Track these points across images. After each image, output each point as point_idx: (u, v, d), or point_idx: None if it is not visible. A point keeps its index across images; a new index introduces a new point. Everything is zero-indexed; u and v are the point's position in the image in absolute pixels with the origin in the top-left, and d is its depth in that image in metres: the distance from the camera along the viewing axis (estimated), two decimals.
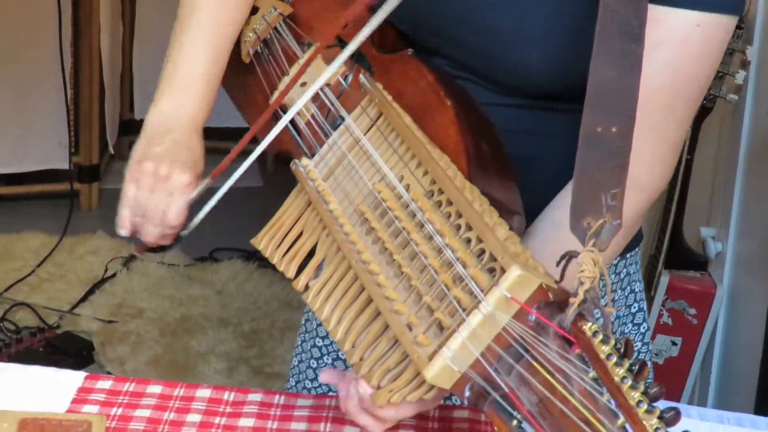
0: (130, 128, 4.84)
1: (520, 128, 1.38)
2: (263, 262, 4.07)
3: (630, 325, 1.64)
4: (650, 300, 2.76)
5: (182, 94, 1.46)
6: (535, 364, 1.00)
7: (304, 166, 1.35)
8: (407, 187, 1.22)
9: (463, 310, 1.07)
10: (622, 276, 1.60)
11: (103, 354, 3.48)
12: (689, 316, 2.76)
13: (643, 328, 1.66)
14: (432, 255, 1.14)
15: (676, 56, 1.26)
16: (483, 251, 1.10)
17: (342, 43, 1.43)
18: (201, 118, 1.47)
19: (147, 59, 4.74)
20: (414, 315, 1.12)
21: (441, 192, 1.18)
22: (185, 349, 3.52)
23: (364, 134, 1.32)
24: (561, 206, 1.27)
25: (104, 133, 4.61)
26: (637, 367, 0.92)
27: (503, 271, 1.05)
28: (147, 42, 4.73)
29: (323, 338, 1.66)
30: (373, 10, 1.33)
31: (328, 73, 1.35)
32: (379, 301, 1.16)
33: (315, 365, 1.68)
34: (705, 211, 2.90)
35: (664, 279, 2.76)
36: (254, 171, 4.34)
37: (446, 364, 1.05)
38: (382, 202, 1.23)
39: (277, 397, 1.48)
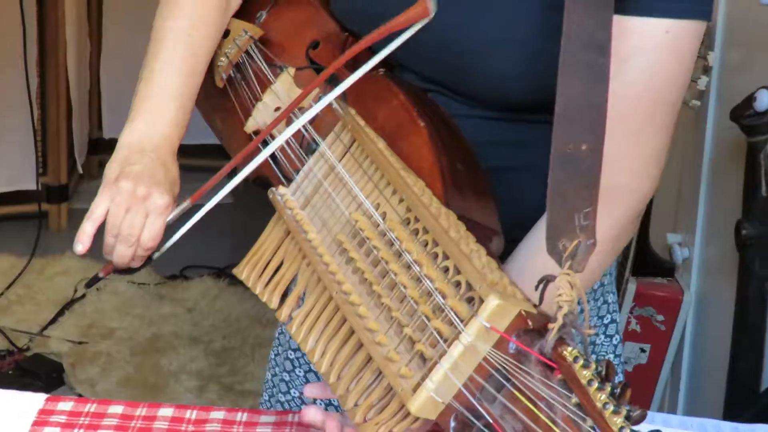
0: (99, 147, 4.84)
1: (493, 139, 1.39)
2: (234, 280, 4.05)
3: (602, 336, 1.65)
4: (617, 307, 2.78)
5: (156, 116, 1.45)
6: (516, 393, 1.01)
7: (281, 194, 1.35)
8: (383, 215, 1.22)
9: (444, 341, 1.07)
10: (595, 287, 1.61)
11: (73, 376, 3.49)
12: (657, 322, 2.78)
13: (616, 339, 1.68)
14: (411, 285, 1.15)
15: (650, 63, 1.29)
16: (461, 282, 1.11)
17: (315, 65, 1.45)
18: (175, 139, 1.46)
19: (115, 76, 4.75)
20: (396, 347, 1.13)
21: (417, 220, 1.19)
22: (156, 368, 3.53)
23: (339, 161, 1.32)
24: (538, 229, 1.30)
25: (72, 152, 4.60)
26: (618, 390, 0.94)
27: (482, 300, 1.05)
28: (114, 59, 4.73)
29: (295, 350, 1.67)
30: (346, 31, 1.35)
31: (315, 110, 1.34)
32: (361, 332, 1.17)
33: (288, 378, 1.69)
34: (671, 218, 2.92)
35: (632, 286, 2.78)
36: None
37: (430, 396, 1.06)
38: (360, 232, 1.23)
39: (239, 414, 1.49)
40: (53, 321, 3.77)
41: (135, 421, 1.47)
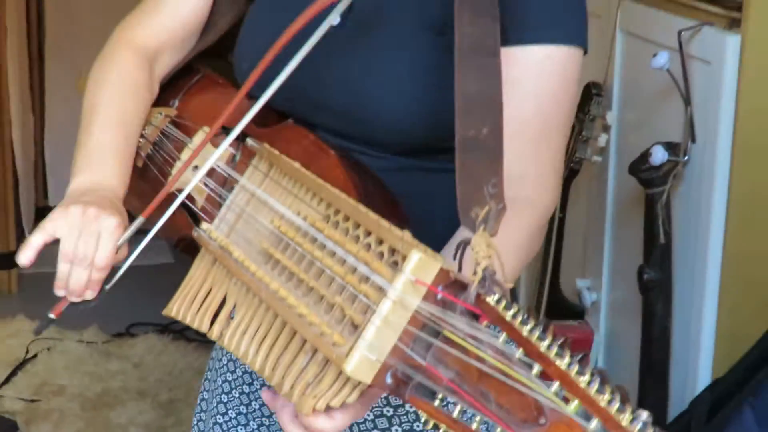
0: (45, 214, 4.74)
1: (402, 191, 1.40)
2: (177, 335, 4.05)
3: None
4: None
5: (98, 169, 1.43)
6: (450, 335, 1.00)
7: (205, 230, 1.36)
8: (305, 218, 1.22)
9: (374, 303, 1.05)
10: None
11: None
12: None
13: None
14: (336, 265, 1.13)
15: (537, 87, 1.35)
16: (384, 252, 1.10)
17: (227, 130, 1.47)
18: (119, 188, 1.43)
19: (58, 147, 4.72)
20: (327, 322, 1.11)
21: (338, 212, 1.19)
22: (106, 422, 3.48)
23: (259, 187, 1.33)
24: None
25: (20, 220, 4.55)
26: (543, 325, 0.93)
27: (405, 259, 1.05)
28: (57, 131, 4.71)
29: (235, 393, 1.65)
30: (252, 98, 1.38)
31: (218, 152, 1.35)
32: (293, 319, 1.15)
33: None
34: (579, 264, 2.95)
35: None
36: (164, 248, 4.28)
37: (364, 355, 1.03)
38: (284, 237, 1.23)
39: None
40: (6, 381, 3.71)
41: None
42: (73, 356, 3.87)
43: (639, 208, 2.48)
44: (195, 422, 1.74)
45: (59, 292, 1.35)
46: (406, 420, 1.53)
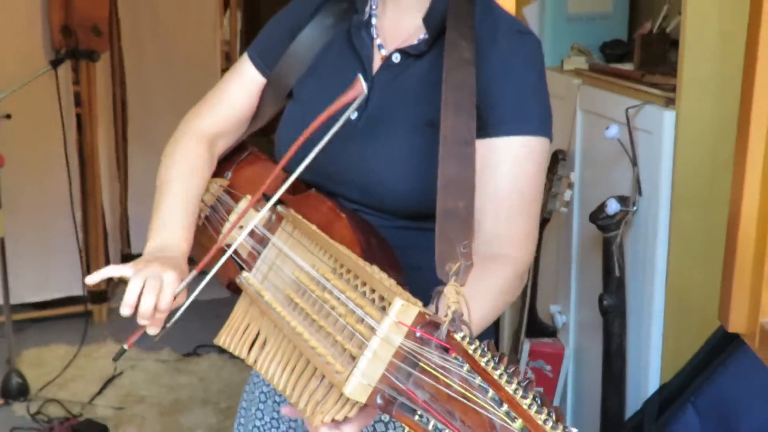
0: (129, 260, 4.76)
1: (402, 244, 1.41)
2: (234, 355, 4.03)
3: None
4: (516, 362, 2.77)
5: (168, 235, 1.45)
6: (425, 366, 1.03)
7: (245, 277, 1.38)
8: (318, 270, 1.24)
9: (366, 340, 1.09)
10: None
11: None
12: (546, 372, 2.78)
13: None
14: (340, 308, 1.16)
15: (513, 170, 1.35)
16: (375, 299, 1.13)
17: (267, 197, 1.47)
18: (185, 247, 1.45)
19: (139, 206, 4.74)
20: (332, 354, 1.14)
21: (342, 266, 1.21)
22: (178, 425, 3.47)
23: (285, 244, 1.35)
24: None
25: (109, 264, 4.56)
26: (498, 356, 0.96)
27: (390, 305, 1.08)
28: (138, 195, 4.73)
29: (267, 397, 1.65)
30: (287, 171, 1.38)
31: (260, 215, 1.40)
32: (306, 351, 1.18)
33: None
34: (552, 293, 2.93)
35: (526, 345, 2.78)
36: (221, 286, 4.20)
37: (359, 381, 1.07)
38: (301, 284, 1.25)
39: None
40: (99, 393, 3.70)
41: None
42: (152, 372, 3.87)
43: (598, 249, 2.47)
44: (236, 426, 1.74)
45: (124, 310, 1.32)
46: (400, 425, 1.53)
